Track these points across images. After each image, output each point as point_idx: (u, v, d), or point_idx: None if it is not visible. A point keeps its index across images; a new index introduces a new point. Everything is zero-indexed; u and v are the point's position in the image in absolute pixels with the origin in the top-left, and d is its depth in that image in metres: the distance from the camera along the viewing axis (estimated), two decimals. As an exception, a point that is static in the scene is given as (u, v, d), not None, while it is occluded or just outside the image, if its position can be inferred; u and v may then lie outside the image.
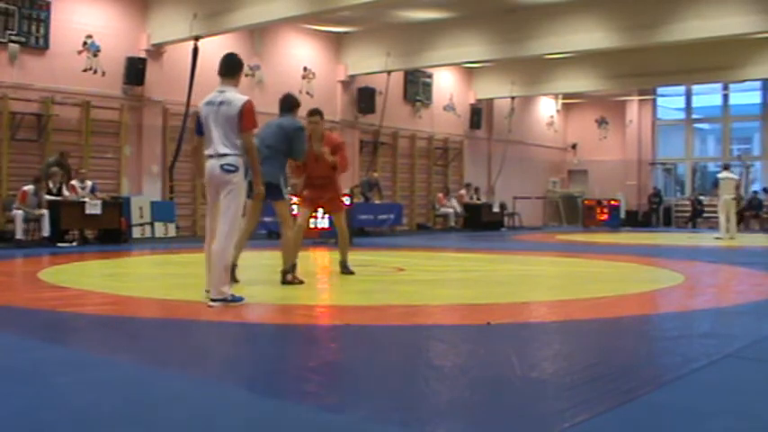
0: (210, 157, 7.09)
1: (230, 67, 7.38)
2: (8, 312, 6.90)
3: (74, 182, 16.79)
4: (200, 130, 7.29)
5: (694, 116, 34.20)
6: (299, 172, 9.86)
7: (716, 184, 21.27)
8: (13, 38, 17.17)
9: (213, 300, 6.96)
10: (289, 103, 9.25)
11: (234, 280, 8.46)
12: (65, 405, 3.74)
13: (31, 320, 6.51)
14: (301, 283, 8.90)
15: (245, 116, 7.05)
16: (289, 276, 8.90)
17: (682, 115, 34.39)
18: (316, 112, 9.70)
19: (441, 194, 26.86)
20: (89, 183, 17.01)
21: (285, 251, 8.94)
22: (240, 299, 7.12)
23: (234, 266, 8.55)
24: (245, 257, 9.18)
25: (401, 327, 6.29)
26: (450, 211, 26.56)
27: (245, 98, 7.13)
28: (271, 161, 8.68)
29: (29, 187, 15.66)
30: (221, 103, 7.10)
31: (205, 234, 7.37)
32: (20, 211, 15.40)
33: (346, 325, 6.34)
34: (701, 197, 31.36)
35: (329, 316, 7.10)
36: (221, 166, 7.00)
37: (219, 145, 7.04)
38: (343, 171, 9.98)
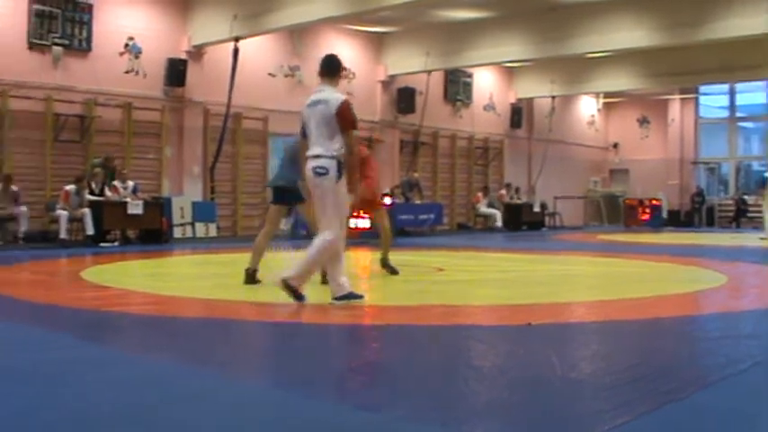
0: (307, 158, 7.10)
1: (330, 67, 7.33)
2: (52, 311, 6.99)
3: (116, 182, 16.95)
4: (303, 132, 7.27)
5: (738, 114, 33.79)
6: None
7: (764, 183, 20.93)
8: (57, 41, 17.37)
9: (335, 298, 7.08)
10: None
11: (253, 281, 8.62)
12: (101, 402, 3.76)
13: (73, 319, 6.57)
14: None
15: (344, 115, 6.99)
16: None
17: (725, 114, 33.98)
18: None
19: (479, 193, 26.71)
20: (131, 183, 17.15)
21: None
22: (360, 296, 7.22)
23: (255, 271, 8.70)
24: (276, 258, 9.21)
25: (441, 327, 6.27)
26: (493, 212, 26.42)
27: (342, 97, 7.10)
28: (289, 166, 8.70)
29: (70, 187, 15.87)
30: (318, 102, 7.07)
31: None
32: (64, 212, 15.59)
33: (386, 325, 6.33)
34: (745, 197, 30.92)
35: (369, 316, 7.09)
36: (313, 169, 7.00)
37: (315, 146, 7.05)
38: (368, 194, 9.41)
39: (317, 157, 6.97)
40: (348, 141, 6.99)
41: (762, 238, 20.07)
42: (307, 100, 7.26)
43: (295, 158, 8.55)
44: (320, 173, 6.93)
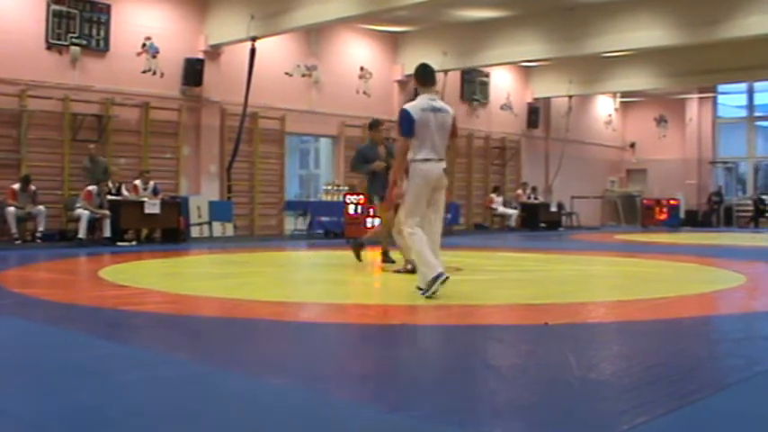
0: (429, 160, 7.68)
1: (432, 77, 8.01)
2: (72, 310, 7.02)
3: (137, 182, 17.04)
4: (410, 132, 7.68)
5: (756, 114, 33.61)
6: None
7: None
8: (75, 40, 17.48)
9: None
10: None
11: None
12: (126, 401, 3.78)
13: (93, 318, 6.60)
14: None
15: (456, 126, 8.01)
16: None
17: (743, 113, 33.82)
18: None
19: (492, 195, 26.67)
20: (152, 183, 17.21)
21: None
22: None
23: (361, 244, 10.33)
24: (295, 257, 9.21)
25: (458, 326, 6.27)
26: (510, 211, 26.43)
27: (451, 108, 7.99)
28: None
29: (93, 187, 15.93)
30: (440, 110, 7.80)
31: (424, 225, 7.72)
32: (86, 212, 15.65)
33: (402, 324, 6.33)
34: (764, 197, 30.76)
35: (385, 315, 7.09)
36: (444, 169, 7.75)
37: (441, 149, 7.77)
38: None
39: (443, 160, 7.74)
40: (454, 147, 8.09)
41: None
42: (422, 104, 7.76)
43: None
44: (446, 172, 7.76)
